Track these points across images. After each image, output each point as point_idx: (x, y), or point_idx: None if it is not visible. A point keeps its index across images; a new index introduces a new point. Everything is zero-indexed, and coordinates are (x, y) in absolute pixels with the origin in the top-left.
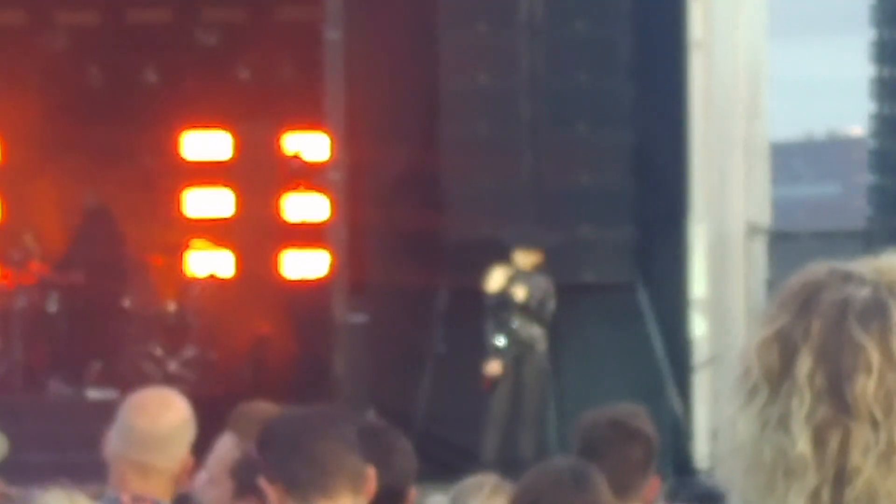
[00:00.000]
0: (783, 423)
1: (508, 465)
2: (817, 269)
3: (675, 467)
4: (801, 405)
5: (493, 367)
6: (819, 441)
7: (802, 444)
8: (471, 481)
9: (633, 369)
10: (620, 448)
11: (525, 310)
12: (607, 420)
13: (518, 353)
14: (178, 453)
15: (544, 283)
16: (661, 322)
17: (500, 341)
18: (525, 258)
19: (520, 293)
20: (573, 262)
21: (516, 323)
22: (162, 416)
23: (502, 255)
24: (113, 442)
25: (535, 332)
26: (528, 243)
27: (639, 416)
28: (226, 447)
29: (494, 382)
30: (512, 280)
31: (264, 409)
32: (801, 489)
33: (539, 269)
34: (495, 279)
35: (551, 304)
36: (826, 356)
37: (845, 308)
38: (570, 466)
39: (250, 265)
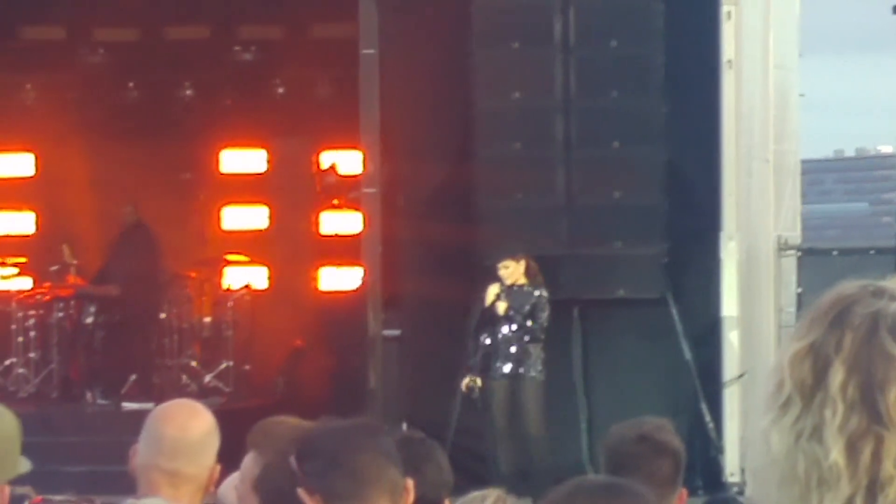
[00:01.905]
0: (816, 433)
1: (525, 479)
2: (849, 285)
3: (705, 481)
4: (833, 416)
5: (465, 383)
6: (852, 451)
7: (836, 454)
8: (474, 495)
9: (664, 384)
10: (648, 463)
11: (511, 325)
12: (635, 435)
13: (509, 368)
14: (207, 461)
15: (532, 297)
16: (692, 337)
17: (479, 355)
18: (504, 272)
19: (500, 307)
20: (605, 278)
21: (507, 340)
22: (190, 424)
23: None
24: (142, 452)
25: (523, 346)
26: (497, 258)
27: (665, 429)
28: (248, 465)
29: (485, 396)
30: (499, 295)
31: (282, 422)
32: (835, 499)
33: (534, 280)
34: (487, 296)
35: (542, 317)
36: (858, 368)
37: (877, 321)
38: (606, 480)
39: (285, 279)
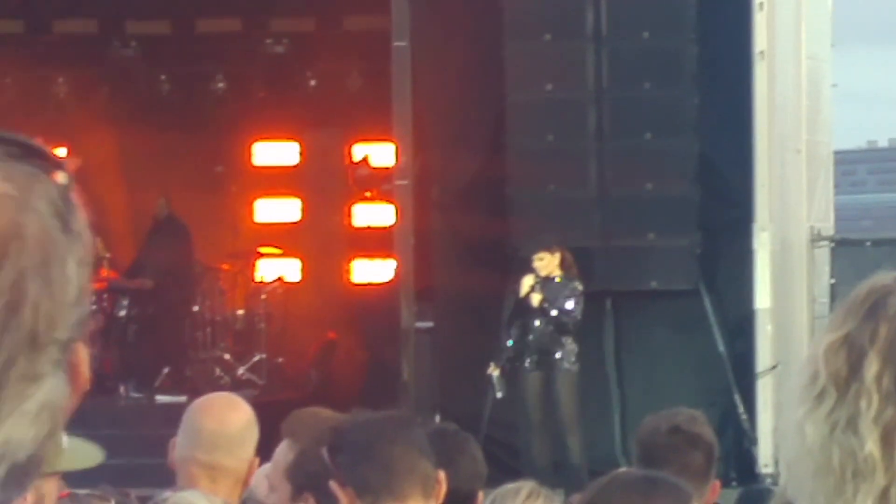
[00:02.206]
0: (851, 425)
1: (557, 470)
2: (883, 276)
3: (738, 473)
4: (869, 407)
5: (492, 369)
6: (887, 442)
7: (871, 445)
8: (508, 487)
9: (696, 375)
10: (681, 455)
11: (544, 317)
12: (668, 427)
13: (541, 359)
14: (245, 454)
15: (566, 289)
16: (725, 328)
17: (508, 343)
18: (539, 264)
19: (535, 299)
20: (638, 269)
21: (540, 332)
22: (229, 417)
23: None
24: (181, 445)
25: (557, 337)
26: (540, 247)
27: (698, 420)
28: (282, 453)
29: (518, 388)
30: (534, 287)
31: (316, 413)
32: (870, 490)
33: (568, 272)
34: (523, 286)
35: (575, 310)
36: (894, 359)
37: None
38: (643, 474)
39: (318, 271)
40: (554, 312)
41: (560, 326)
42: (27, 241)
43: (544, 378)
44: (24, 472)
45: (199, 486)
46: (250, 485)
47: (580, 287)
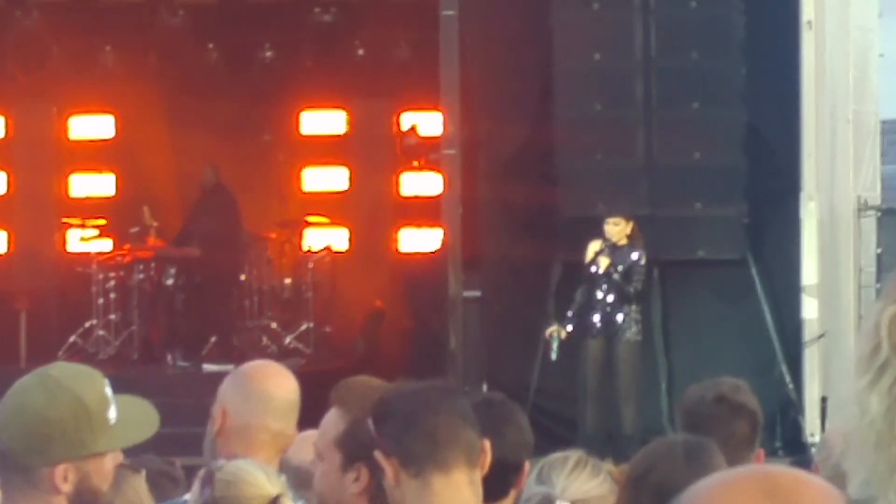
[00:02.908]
0: None
1: (611, 440)
2: None
3: (785, 442)
4: None
5: (549, 330)
6: None
7: None
8: (555, 456)
9: (743, 345)
10: (726, 423)
11: (609, 283)
12: (712, 396)
13: (604, 326)
14: (297, 420)
15: (632, 256)
16: (772, 298)
17: (570, 312)
18: (612, 229)
19: (603, 263)
20: (685, 239)
21: (601, 293)
22: (292, 384)
23: None
24: (243, 412)
25: (620, 306)
26: (617, 212)
27: (742, 389)
28: (331, 421)
29: (579, 353)
30: (599, 252)
31: (367, 382)
32: None
33: (633, 241)
34: (589, 251)
35: (637, 278)
36: None
37: None
38: (686, 440)
39: (365, 240)
40: (617, 279)
41: (623, 294)
42: None
43: (606, 346)
44: None
45: (263, 453)
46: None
47: (644, 258)
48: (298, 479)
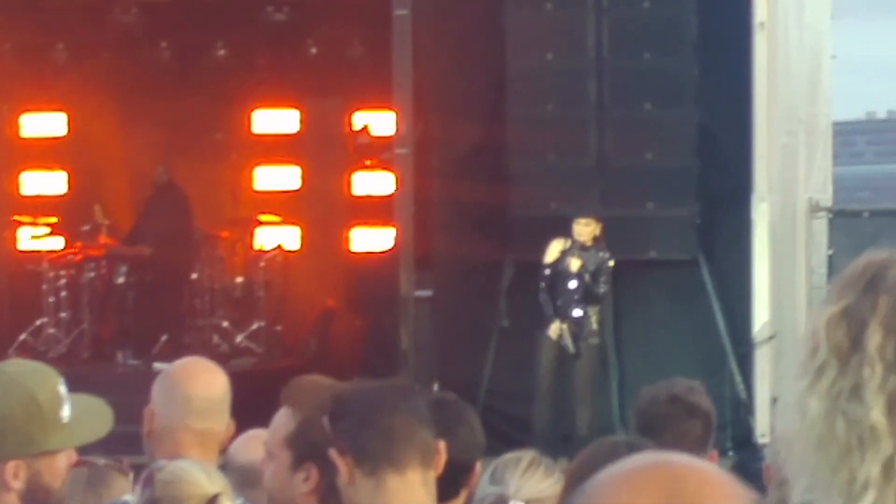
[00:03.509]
0: (855, 394)
1: (565, 440)
2: (878, 252)
3: (735, 442)
4: (872, 375)
5: (554, 330)
6: (893, 409)
7: (876, 412)
8: (509, 456)
9: (694, 345)
10: (679, 424)
11: (578, 280)
12: (666, 396)
13: (567, 329)
14: (227, 417)
15: (600, 258)
16: (723, 298)
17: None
18: (583, 230)
19: (574, 264)
20: (637, 239)
21: (568, 294)
22: (215, 381)
23: (567, 231)
24: (165, 414)
25: (585, 307)
26: (587, 213)
27: (696, 390)
28: (281, 420)
29: (537, 354)
30: (566, 252)
31: (318, 381)
32: (876, 457)
33: (598, 243)
34: (551, 251)
35: (605, 279)
36: (895, 328)
37: None
38: (627, 441)
39: (317, 239)
40: (585, 279)
41: (590, 296)
42: None
43: (561, 346)
44: None
45: (190, 454)
46: (229, 449)
47: (610, 258)
48: (244, 478)
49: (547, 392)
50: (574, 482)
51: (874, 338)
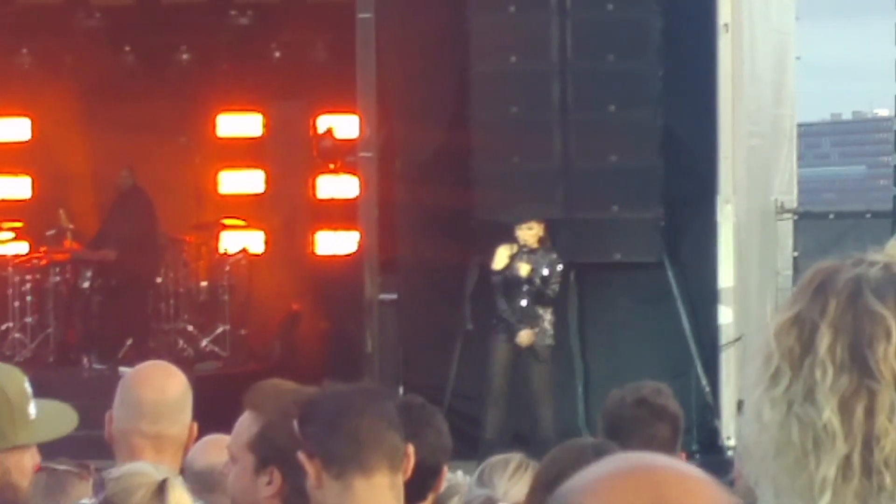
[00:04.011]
0: (809, 397)
1: (521, 443)
2: (828, 260)
3: (701, 445)
4: (824, 377)
5: (525, 337)
6: (845, 410)
7: (829, 413)
8: (496, 459)
9: (660, 348)
10: (647, 426)
11: (529, 285)
12: (633, 399)
13: (516, 331)
14: (186, 420)
15: (548, 260)
16: (689, 301)
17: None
18: (526, 234)
19: (523, 269)
20: (602, 241)
21: (523, 299)
22: (168, 384)
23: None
24: (120, 418)
25: (538, 309)
26: (525, 218)
27: (664, 393)
28: (244, 424)
29: (489, 358)
30: (514, 257)
31: (280, 385)
32: (832, 459)
33: (545, 244)
34: (499, 257)
35: (555, 281)
36: (844, 329)
37: (860, 284)
38: (594, 444)
39: (281, 243)
40: (536, 283)
41: (540, 298)
42: None
43: (516, 350)
44: None
45: (143, 457)
46: (188, 454)
47: (559, 260)
48: (203, 482)
49: (496, 396)
50: (540, 485)
51: (824, 340)
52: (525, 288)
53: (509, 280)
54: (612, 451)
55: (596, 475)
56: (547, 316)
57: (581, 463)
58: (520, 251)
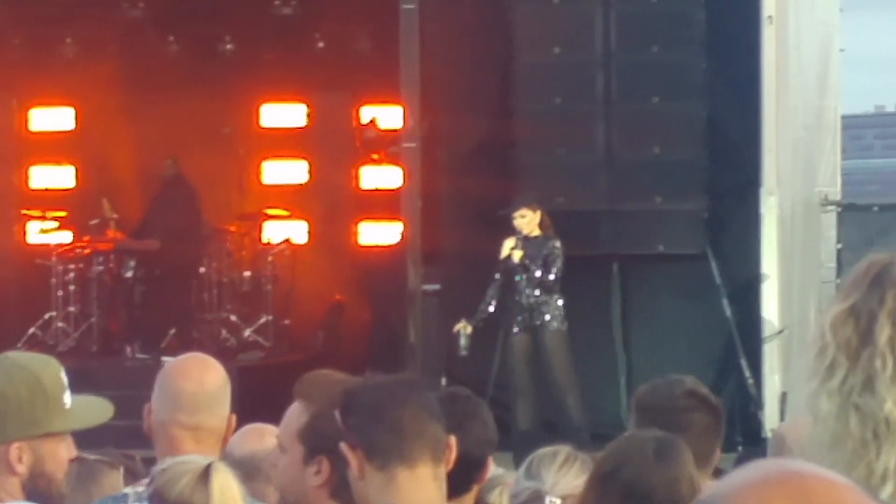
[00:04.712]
0: (867, 387)
1: (554, 433)
2: (880, 254)
3: (744, 437)
4: (884, 367)
5: (458, 325)
6: None
7: (890, 403)
8: (544, 451)
9: (703, 340)
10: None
11: (528, 277)
12: (682, 391)
13: (528, 321)
14: (224, 411)
15: (547, 247)
16: (732, 293)
17: (490, 306)
18: (521, 222)
19: (516, 255)
20: (645, 233)
21: (524, 292)
22: (206, 376)
23: (573, 225)
24: (159, 409)
25: (541, 297)
26: (515, 207)
27: (700, 385)
28: (294, 414)
29: (508, 353)
30: (514, 247)
31: (330, 376)
32: (893, 449)
33: (547, 231)
34: (504, 248)
35: (557, 266)
36: None
37: None
38: (656, 438)
39: (325, 233)
40: (537, 272)
41: (543, 285)
42: None
43: (532, 340)
44: None
45: (183, 449)
46: (229, 442)
47: (559, 245)
48: (242, 470)
49: (521, 389)
50: (599, 480)
51: (884, 331)
52: (523, 277)
53: (510, 270)
54: (674, 444)
55: (742, 481)
56: (553, 301)
57: (641, 456)
58: (518, 240)
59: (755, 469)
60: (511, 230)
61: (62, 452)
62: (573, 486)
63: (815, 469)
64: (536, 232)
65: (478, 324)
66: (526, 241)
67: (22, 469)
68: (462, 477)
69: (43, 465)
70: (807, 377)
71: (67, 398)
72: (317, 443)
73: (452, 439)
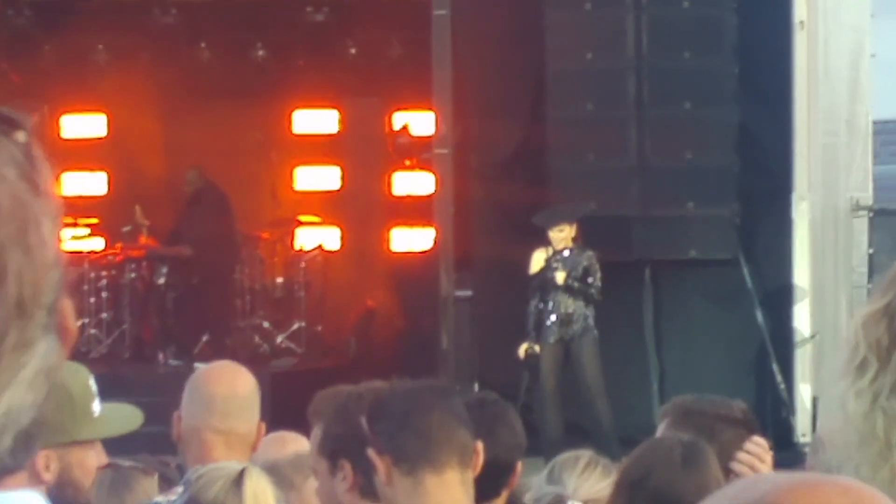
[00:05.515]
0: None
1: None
2: None
3: (776, 442)
4: None
5: (524, 349)
6: None
7: None
8: (566, 456)
9: (735, 344)
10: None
11: (568, 289)
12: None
13: (564, 331)
14: (255, 417)
15: (584, 259)
16: (764, 298)
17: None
18: (557, 236)
19: (559, 276)
20: (677, 238)
21: (562, 304)
22: (238, 382)
23: (605, 231)
24: (190, 415)
25: (580, 310)
26: (555, 222)
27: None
28: (313, 436)
29: (537, 361)
30: (550, 260)
31: (335, 389)
32: None
33: (577, 244)
34: (535, 262)
35: (596, 278)
36: None
37: None
38: (683, 444)
39: (357, 240)
40: (575, 284)
41: (586, 298)
42: (1, 211)
43: (568, 350)
44: (30, 436)
45: (214, 454)
46: (257, 450)
47: (594, 256)
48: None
49: (551, 397)
50: (626, 486)
51: None
52: (564, 293)
53: (547, 283)
54: (702, 450)
55: (787, 482)
56: (588, 310)
57: (668, 462)
58: (554, 254)
59: (792, 476)
60: (543, 237)
61: (90, 460)
62: (595, 490)
63: (854, 481)
64: (570, 244)
65: (537, 342)
66: (560, 255)
67: (49, 477)
68: (491, 482)
69: (70, 473)
70: (839, 375)
71: (96, 406)
72: (333, 448)
73: (479, 444)
